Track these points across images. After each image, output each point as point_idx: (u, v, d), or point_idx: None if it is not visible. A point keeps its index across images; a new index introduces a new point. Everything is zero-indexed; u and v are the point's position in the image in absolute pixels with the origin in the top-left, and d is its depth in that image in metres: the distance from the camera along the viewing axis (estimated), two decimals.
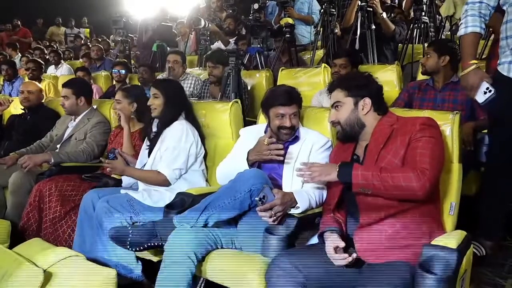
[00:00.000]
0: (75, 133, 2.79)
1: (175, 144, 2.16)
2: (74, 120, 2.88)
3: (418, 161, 1.43)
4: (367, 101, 1.60)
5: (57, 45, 8.57)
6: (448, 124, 1.70)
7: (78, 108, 2.85)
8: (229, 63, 2.89)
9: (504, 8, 1.96)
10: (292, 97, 1.93)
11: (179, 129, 2.19)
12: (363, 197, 1.50)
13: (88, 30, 10.45)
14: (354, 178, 1.44)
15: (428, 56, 2.58)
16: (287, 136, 1.91)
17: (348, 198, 1.59)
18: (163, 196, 2.08)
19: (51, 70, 5.96)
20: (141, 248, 1.75)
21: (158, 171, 2.14)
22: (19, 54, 7.13)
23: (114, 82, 4.26)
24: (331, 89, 1.70)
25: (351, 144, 1.65)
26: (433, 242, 1.39)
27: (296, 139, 1.93)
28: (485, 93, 1.87)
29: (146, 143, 2.35)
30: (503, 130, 2.00)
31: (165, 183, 2.14)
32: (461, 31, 2.00)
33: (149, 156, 2.26)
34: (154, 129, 2.33)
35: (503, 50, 1.99)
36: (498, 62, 2.02)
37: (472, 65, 1.91)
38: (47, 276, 1.41)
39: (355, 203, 1.53)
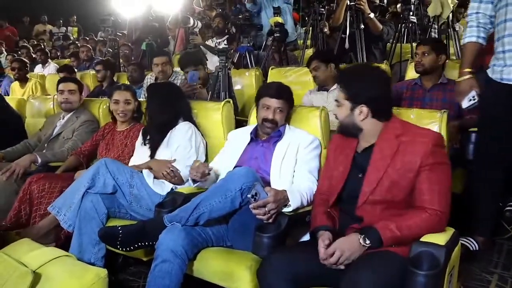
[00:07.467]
0: (63, 132, 2.76)
1: (186, 143, 2.16)
2: (63, 118, 2.85)
3: (432, 200, 1.41)
4: (364, 109, 1.51)
5: (44, 43, 8.46)
6: (436, 122, 1.73)
7: (78, 104, 2.85)
8: (219, 62, 2.90)
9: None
10: (281, 91, 1.95)
11: (187, 128, 2.20)
12: (364, 205, 1.48)
13: (76, 29, 10.33)
14: (385, 242, 1.40)
15: (426, 54, 2.57)
16: (268, 129, 1.93)
17: (346, 195, 1.57)
18: (161, 185, 2.10)
19: (38, 69, 5.88)
20: (132, 248, 1.74)
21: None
22: (5, 52, 7.03)
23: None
24: (337, 81, 1.65)
25: (354, 139, 1.60)
26: (422, 239, 1.41)
27: (280, 136, 1.93)
28: (470, 100, 2.01)
29: (140, 149, 2.31)
30: (491, 129, 2.04)
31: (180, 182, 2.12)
32: (462, 41, 2.15)
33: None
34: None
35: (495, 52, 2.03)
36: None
37: (467, 74, 2.02)
38: (37, 276, 1.40)
39: (353, 200, 1.51)
